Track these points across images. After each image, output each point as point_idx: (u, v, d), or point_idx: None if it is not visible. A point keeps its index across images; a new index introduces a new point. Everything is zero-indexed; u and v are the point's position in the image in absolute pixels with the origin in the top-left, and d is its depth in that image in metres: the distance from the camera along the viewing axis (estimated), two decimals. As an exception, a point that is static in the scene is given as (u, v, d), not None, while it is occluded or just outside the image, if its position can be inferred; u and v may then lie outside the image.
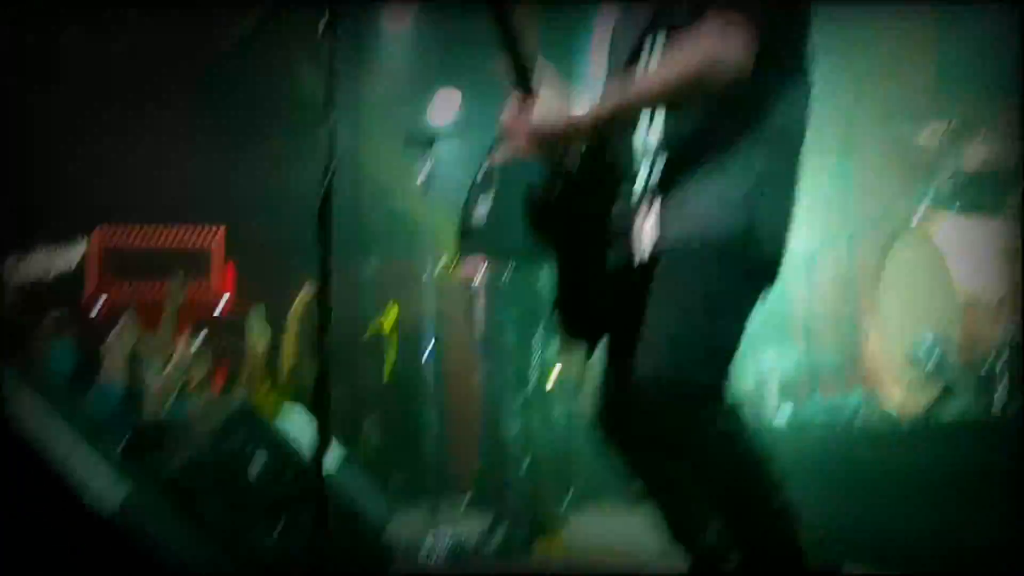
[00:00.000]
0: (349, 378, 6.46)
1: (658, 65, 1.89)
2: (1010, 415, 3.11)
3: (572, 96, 1.94)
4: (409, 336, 5.44)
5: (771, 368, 4.76)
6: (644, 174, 1.94)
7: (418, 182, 4.19)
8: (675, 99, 1.87)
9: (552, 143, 1.91)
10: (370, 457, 6.40)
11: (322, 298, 1.94)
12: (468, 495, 5.70)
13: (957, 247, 3.49)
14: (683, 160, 1.91)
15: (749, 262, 1.88)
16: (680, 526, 2.00)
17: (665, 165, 1.92)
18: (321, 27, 1.97)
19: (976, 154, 3.87)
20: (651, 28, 1.94)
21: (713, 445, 1.83)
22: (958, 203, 3.74)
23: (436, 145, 4.25)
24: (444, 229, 4.43)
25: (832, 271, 4.65)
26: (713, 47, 1.81)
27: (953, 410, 3.32)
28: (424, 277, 4.29)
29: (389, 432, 6.83)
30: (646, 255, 1.89)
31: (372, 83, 7.21)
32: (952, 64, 4.48)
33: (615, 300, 1.96)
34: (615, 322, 1.99)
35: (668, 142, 1.91)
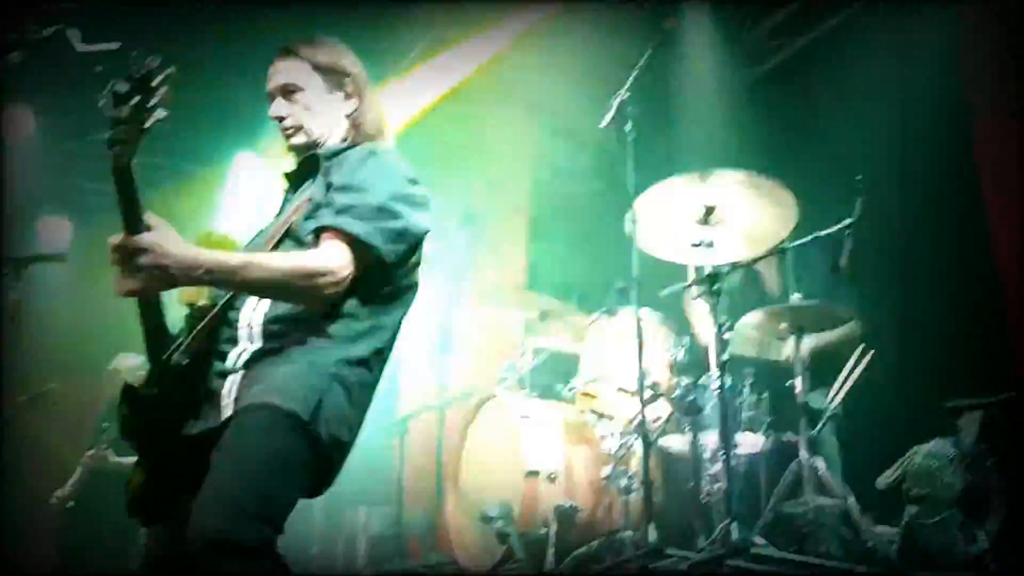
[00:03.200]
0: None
1: (280, 255, 2.15)
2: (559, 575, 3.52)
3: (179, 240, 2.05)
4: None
5: (362, 527, 4.96)
6: (240, 346, 2.15)
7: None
8: (275, 294, 2.14)
9: (158, 272, 1.99)
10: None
11: None
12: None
13: (528, 424, 3.94)
14: (274, 341, 2.13)
15: (310, 439, 2.05)
16: None
17: (262, 340, 2.14)
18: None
19: (551, 341, 4.49)
20: (310, 214, 2.21)
21: None
22: (531, 382, 4.28)
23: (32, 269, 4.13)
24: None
25: (423, 438, 4.99)
26: (323, 263, 2.10)
27: (514, 568, 3.68)
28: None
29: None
30: (224, 419, 2.06)
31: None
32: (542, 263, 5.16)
33: (188, 466, 2.05)
34: (182, 487, 2.08)
35: (269, 321, 2.15)
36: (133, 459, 2.23)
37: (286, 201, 2.45)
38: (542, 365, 4.53)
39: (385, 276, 2.23)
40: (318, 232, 2.18)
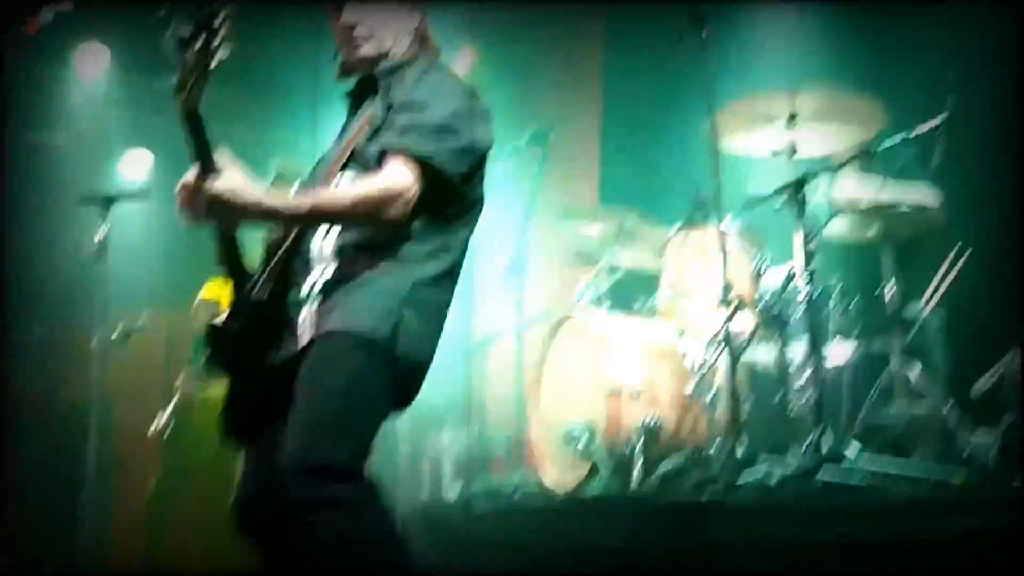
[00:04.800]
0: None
1: (344, 188, 2.13)
2: (645, 492, 3.50)
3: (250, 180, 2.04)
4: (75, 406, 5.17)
5: (445, 448, 5.01)
6: (314, 275, 2.16)
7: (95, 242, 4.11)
8: (345, 225, 2.13)
9: (228, 215, 2.01)
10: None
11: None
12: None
13: (608, 340, 3.89)
14: (347, 268, 2.13)
15: (389, 362, 2.05)
16: None
17: (335, 267, 2.14)
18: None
19: (628, 258, 4.41)
20: (372, 135, 2.18)
21: (351, 519, 1.93)
22: (610, 301, 4.21)
23: (115, 206, 4.20)
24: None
25: (502, 360, 4.98)
26: (389, 186, 2.07)
27: (598, 487, 3.67)
28: (93, 345, 4.14)
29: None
30: (303, 345, 2.07)
31: (54, 135, 6.88)
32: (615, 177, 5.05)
33: (275, 395, 2.07)
34: (270, 416, 2.10)
35: (340, 249, 2.15)
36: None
37: (347, 124, 2.41)
38: (621, 283, 4.43)
39: (450, 195, 2.19)
40: (381, 154, 2.14)
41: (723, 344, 3.54)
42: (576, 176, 5.25)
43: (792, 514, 2.84)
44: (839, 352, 3.77)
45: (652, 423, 3.71)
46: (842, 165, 3.50)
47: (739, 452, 3.27)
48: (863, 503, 2.96)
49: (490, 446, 5.10)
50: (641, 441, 3.63)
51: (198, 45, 1.86)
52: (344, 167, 2.22)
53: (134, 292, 5.90)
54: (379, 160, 2.14)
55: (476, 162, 2.24)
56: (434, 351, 2.19)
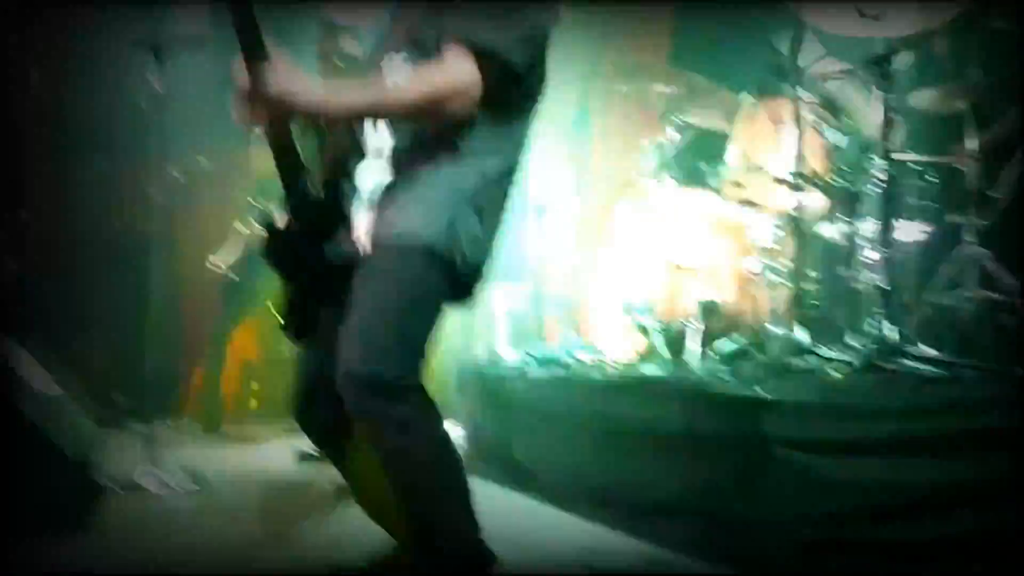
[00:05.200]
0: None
1: (405, 84, 2.00)
2: (700, 375, 3.46)
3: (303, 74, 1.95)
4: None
5: (499, 303, 5.02)
6: (371, 171, 2.08)
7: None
8: (409, 116, 2.01)
9: (285, 115, 1.95)
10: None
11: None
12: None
13: (671, 212, 3.78)
14: (405, 166, 2.05)
15: (447, 268, 2.00)
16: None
17: (393, 164, 2.06)
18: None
19: (697, 118, 4.21)
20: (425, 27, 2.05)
21: (404, 431, 1.93)
22: (675, 168, 4.07)
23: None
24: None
25: (561, 220, 4.90)
26: (452, 81, 1.95)
27: (654, 365, 3.65)
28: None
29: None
30: (362, 251, 2.03)
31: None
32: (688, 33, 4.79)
33: (332, 295, 2.04)
34: (328, 316, 2.07)
35: (398, 145, 2.06)
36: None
37: None
38: (688, 146, 4.25)
39: (515, 82, 2.05)
40: (439, 39, 2.01)
41: (791, 220, 3.42)
42: (645, 31, 4.96)
43: (851, 408, 2.79)
44: (914, 229, 3.62)
45: (711, 300, 3.64)
46: (931, 33, 3.24)
47: (800, 335, 3.19)
48: (926, 398, 2.90)
49: (547, 305, 5.10)
50: (700, 319, 3.57)
51: None
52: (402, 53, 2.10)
53: (195, 139, 5.90)
54: (438, 45, 2.01)
55: (542, 45, 2.10)
56: (493, 251, 2.13)
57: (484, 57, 1.97)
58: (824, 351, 3.18)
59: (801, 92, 3.46)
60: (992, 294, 3.40)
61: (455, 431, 3.92)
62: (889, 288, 3.21)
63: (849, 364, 3.05)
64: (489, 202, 2.10)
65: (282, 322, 2.21)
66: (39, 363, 4.66)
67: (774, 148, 3.57)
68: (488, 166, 2.08)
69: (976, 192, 3.50)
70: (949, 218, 3.57)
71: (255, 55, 1.88)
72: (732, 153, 3.81)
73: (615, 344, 3.90)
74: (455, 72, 1.96)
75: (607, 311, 4.00)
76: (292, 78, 1.89)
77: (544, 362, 4.13)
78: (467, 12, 2.00)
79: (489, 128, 2.06)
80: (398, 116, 2.03)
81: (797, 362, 3.16)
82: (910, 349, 3.11)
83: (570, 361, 4.05)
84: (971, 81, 3.42)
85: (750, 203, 3.76)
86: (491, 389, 4.24)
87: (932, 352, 3.18)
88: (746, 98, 3.83)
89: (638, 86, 4.45)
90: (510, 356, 4.63)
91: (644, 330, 3.69)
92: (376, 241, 2.03)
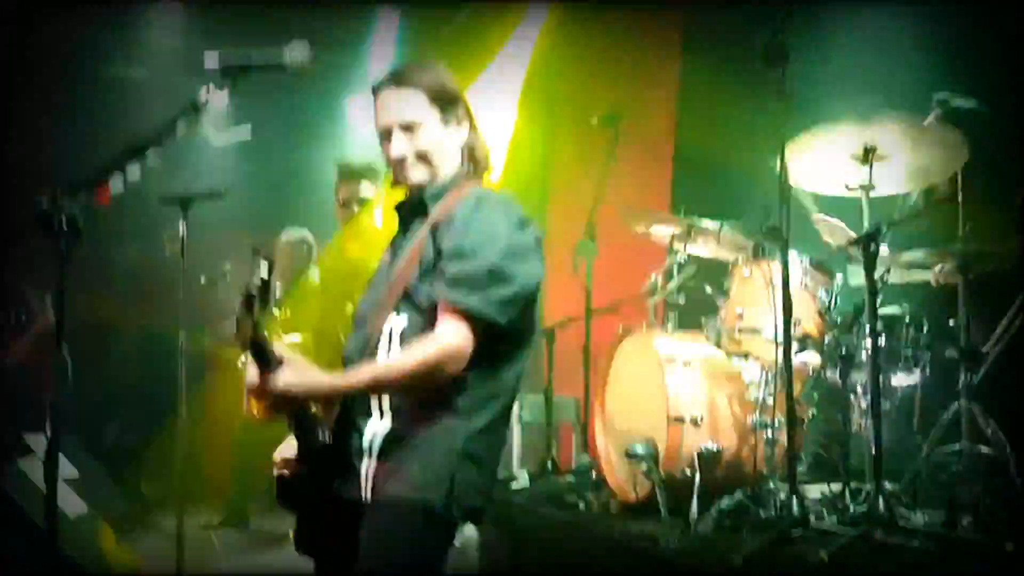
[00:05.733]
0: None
1: (402, 358, 2.23)
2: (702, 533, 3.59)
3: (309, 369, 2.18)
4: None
5: (516, 415, 5.19)
6: (373, 425, 2.28)
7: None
8: (409, 385, 2.22)
9: (295, 402, 2.18)
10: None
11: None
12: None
13: (672, 366, 3.92)
14: (404, 420, 2.25)
15: (446, 524, 2.21)
16: None
17: (391, 420, 2.26)
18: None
19: (699, 249, 4.36)
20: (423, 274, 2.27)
21: None
22: (677, 313, 4.23)
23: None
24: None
25: (571, 343, 5.05)
26: (444, 348, 2.17)
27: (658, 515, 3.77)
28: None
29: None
30: (365, 499, 2.23)
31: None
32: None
33: (339, 524, 2.26)
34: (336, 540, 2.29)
35: (396, 402, 2.26)
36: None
37: (397, 242, 2.49)
38: (689, 281, 4.39)
39: (504, 336, 2.26)
40: (433, 302, 2.23)
41: (787, 377, 3.55)
42: (648, 178, 5.17)
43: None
44: (906, 380, 3.76)
45: (712, 449, 3.78)
46: (916, 214, 3.40)
47: (796, 503, 3.32)
48: (916, 565, 3.02)
49: (558, 416, 5.27)
50: (699, 470, 3.70)
51: (257, 305, 1.99)
52: (398, 308, 2.32)
53: (219, 242, 6.12)
54: (431, 305, 2.23)
55: (528, 302, 2.31)
56: (492, 489, 2.31)
57: (473, 320, 2.18)
58: (819, 522, 3.32)
59: (792, 254, 3.60)
60: (983, 448, 3.54)
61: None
62: (881, 442, 3.34)
63: (844, 532, 3.19)
64: (487, 448, 2.29)
65: (295, 542, 2.42)
66: (70, 461, 4.88)
67: (767, 307, 3.71)
68: (482, 417, 2.27)
69: (965, 347, 3.64)
70: (941, 375, 3.71)
71: (268, 368, 2.08)
72: (727, 310, 3.95)
73: (620, 481, 4.03)
74: (447, 339, 2.18)
75: (614, 449, 4.13)
76: (300, 374, 2.09)
77: (553, 499, 4.29)
78: (457, 278, 2.21)
79: (482, 383, 2.26)
80: (399, 387, 2.23)
81: (792, 528, 3.28)
82: (900, 518, 3.24)
83: (580, 498, 4.19)
84: (958, 245, 3.57)
85: (746, 355, 3.90)
86: (501, 514, 4.37)
87: (921, 522, 3.32)
88: (740, 255, 3.98)
89: (642, 221, 4.61)
90: (523, 478, 4.78)
91: (648, 477, 3.81)
92: (378, 495, 2.21)
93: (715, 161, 4.75)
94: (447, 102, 2.39)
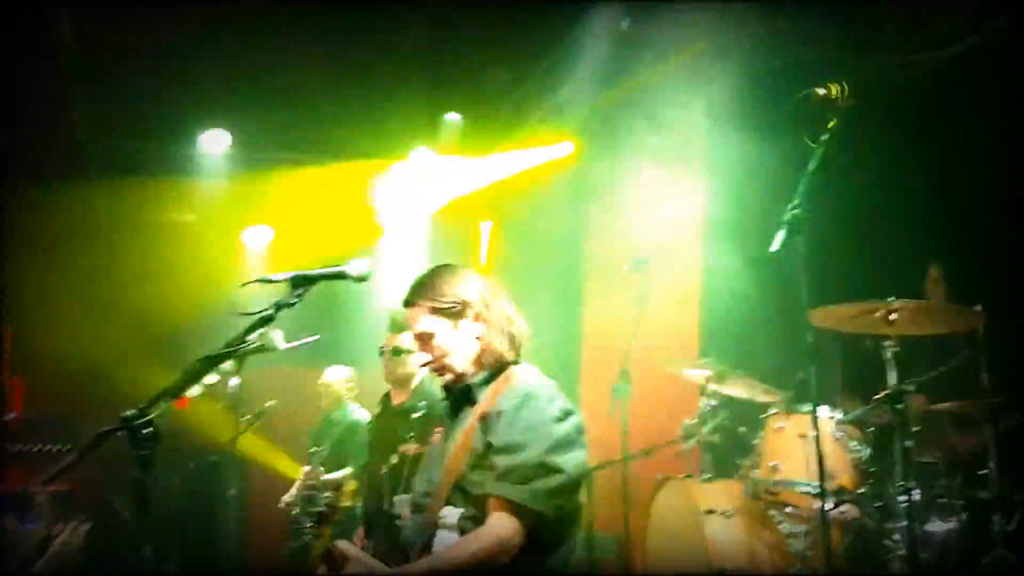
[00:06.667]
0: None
1: (455, 546, 2.40)
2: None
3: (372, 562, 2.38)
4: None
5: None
6: None
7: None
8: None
9: None
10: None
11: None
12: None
13: (710, 517, 4.01)
14: None
15: None
16: None
17: None
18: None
19: (730, 390, 4.47)
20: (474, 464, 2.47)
21: None
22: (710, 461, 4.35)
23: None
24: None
25: (608, 487, 5.14)
26: (495, 541, 2.35)
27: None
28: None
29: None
30: None
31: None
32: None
33: None
34: None
35: None
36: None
37: (447, 424, 2.70)
38: (724, 423, 4.51)
39: (554, 521, 2.43)
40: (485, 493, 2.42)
41: (823, 533, 3.63)
42: (676, 323, 5.36)
43: None
44: (942, 528, 3.82)
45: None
46: (933, 377, 3.53)
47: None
48: None
49: (599, 551, 5.32)
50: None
51: (327, 525, 2.18)
52: (449, 498, 2.49)
53: (265, 378, 6.34)
54: (482, 496, 2.42)
55: (574, 489, 2.46)
56: None
57: (522, 512, 2.36)
58: None
59: (823, 409, 3.73)
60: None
61: None
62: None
63: None
64: None
65: None
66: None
67: (801, 459, 3.82)
68: None
69: (998, 495, 3.72)
70: (976, 521, 3.77)
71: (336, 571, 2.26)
72: (762, 457, 4.06)
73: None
74: (497, 532, 2.36)
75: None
76: (363, 569, 2.29)
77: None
78: (507, 472, 2.39)
79: (534, 565, 2.42)
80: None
81: None
82: None
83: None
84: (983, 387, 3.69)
85: (783, 505, 3.99)
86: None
87: None
88: (771, 411, 4.11)
89: (673, 366, 4.76)
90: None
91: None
92: None
93: (745, 314, 4.90)
94: (452, 311, 2.63)
